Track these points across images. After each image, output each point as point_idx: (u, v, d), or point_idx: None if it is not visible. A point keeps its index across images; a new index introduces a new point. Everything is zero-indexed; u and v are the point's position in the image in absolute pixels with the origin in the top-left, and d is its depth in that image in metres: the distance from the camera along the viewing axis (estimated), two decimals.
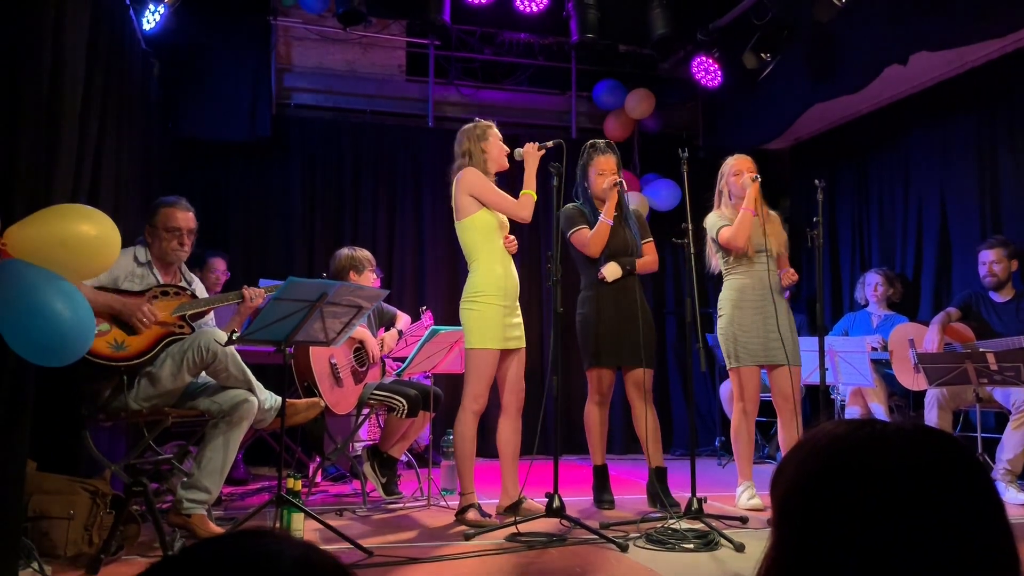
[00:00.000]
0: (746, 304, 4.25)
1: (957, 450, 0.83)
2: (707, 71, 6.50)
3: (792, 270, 4.34)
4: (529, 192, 3.93)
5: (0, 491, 2.49)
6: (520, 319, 4.02)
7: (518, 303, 4.01)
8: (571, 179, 4.33)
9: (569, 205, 4.40)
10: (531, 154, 3.96)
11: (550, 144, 3.96)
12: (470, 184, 3.92)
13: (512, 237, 4.04)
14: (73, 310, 2.39)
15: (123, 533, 3.05)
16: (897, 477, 0.79)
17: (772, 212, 4.46)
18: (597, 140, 4.44)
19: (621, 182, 4.25)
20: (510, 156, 4.04)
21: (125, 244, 3.01)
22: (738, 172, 4.36)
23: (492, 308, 3.87)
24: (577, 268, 4.49)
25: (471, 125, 4.07)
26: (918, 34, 4.89)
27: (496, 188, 3.97)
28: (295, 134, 6.46)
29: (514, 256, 4.06)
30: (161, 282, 3.54)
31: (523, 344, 4.04)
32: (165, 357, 3.36)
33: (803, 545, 0.82)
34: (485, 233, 3.95)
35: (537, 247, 6.83)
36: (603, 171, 4.29)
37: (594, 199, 4.37)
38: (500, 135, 4.08)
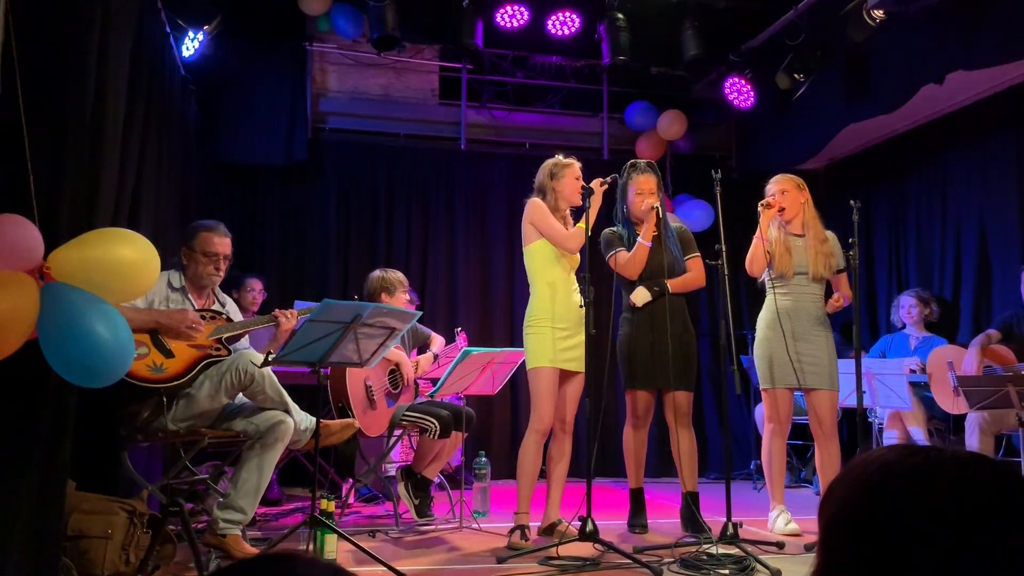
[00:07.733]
0: (781, 325, 4.21)
1: (1018, 482, 0.80)
2: (740, 92, 6.50)
3: (841, 295, 4.25)
4: (581, 225, 3.91)
5: (42, 510, 2.53)
6: (578, 343, 3.95)
7: (579, 327, 3.94)
8: (609, 203, 4.31)
9: (607, 229, 4.38)
10: (596, 190, 3.93)
11: (610, 180, 3.96)
12: (530, 214, 4.05)
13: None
14: (114, 332, 2.43)
15: (159, 553, 3.07)
16: (950, 507, 0.77)
17: (828, 233, 4.36)
18: (638, 160, 4.40)
19: (657, 206, 4.17)
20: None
21: (163, 267, 3.06)
22: (771, 194, 4.34)
23: (545, 331, 3.95)
24: (619, 290, 4.45)
25: (551, 161, 4.14)
26: (954, 53, 4.84)
27: (552, 220, 4.01)
28: (330, 157, 6.53)
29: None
30: (195, 307, 3.59)
31: (581, 369, 3.97)
32: (203, 379, 3.41)
33: (848, 570, 0.81)
34: (542, 261, 4.03)
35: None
36: (641, 191, 4.23)
37: (633, 220, 4.32)
38: (579, 172, 4.08)
